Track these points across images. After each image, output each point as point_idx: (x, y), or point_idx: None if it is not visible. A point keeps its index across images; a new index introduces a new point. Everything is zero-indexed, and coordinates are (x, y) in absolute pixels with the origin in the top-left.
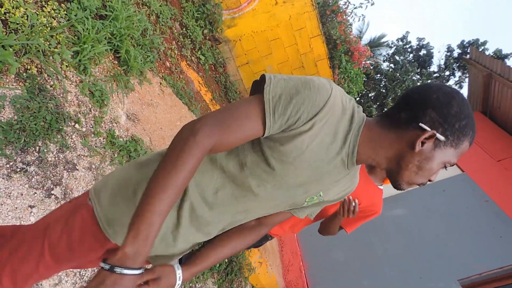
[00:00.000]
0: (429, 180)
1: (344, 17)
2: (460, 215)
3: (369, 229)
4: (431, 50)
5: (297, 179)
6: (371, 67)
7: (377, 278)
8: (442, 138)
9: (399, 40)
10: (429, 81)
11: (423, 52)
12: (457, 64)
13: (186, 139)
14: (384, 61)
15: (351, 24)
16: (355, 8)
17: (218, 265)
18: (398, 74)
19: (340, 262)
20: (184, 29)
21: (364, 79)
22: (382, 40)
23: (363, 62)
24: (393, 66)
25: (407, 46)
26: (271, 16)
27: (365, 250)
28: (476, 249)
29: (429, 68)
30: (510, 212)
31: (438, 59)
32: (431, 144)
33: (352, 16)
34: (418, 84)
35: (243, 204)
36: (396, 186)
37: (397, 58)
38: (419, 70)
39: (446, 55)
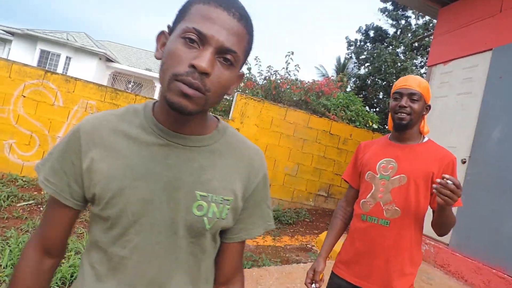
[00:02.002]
0: (193, 66)
1: (288, 78)
2: None
3: None
4: None
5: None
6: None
7: None
8: (166, 30)
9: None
10: None
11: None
12: None
13: None
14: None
15: (297, 80)
16: (287, 68)
17: None
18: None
19: None
20: None
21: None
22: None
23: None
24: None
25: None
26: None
27: None
28: None
29: None
30: None
31: None
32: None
33: (290, 72)
34: None
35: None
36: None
37: None
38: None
39: None
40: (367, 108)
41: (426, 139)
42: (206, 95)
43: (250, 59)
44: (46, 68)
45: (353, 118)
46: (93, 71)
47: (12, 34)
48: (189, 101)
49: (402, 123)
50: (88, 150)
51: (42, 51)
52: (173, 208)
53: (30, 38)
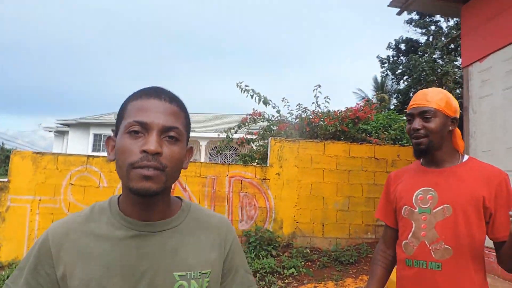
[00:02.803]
0: (144, 151)
1: (319, 111)
2: None
3: None
4: None
5: None
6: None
7: None
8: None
9: None
10: None
11: None
12: None
13: None
14: None
15: (329, 111)
16: (317, 102)
17: None
18: None
19: None
20: None
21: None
22: None
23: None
24: None
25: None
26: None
27: None
28: None
29: None
30: None
31: None
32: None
33: (321, 105)
34: None
35: None
36: None
37: None
38: None
39: None
40: None
41: (466, 157)
42: (165, 171)
43: (278, 101)
44: (100, 150)
45: (398, 137)
46: None
47: (68, 125)
48: (151, 182)
49: (421, 148)
50: (60, 258)
51: (95, 135)
52: None
53: (83, 125)
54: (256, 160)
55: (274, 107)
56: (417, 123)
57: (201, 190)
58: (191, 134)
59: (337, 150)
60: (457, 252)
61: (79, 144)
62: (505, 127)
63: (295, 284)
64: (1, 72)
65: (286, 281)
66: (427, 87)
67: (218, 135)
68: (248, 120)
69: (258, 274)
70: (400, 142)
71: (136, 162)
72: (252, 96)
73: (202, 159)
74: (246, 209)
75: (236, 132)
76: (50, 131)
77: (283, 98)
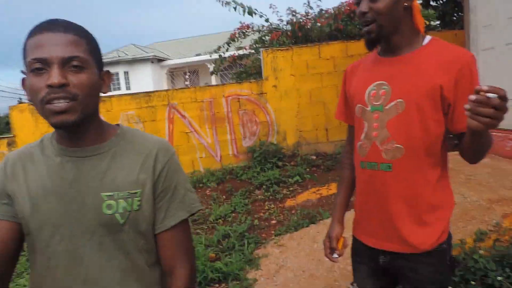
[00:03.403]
0: (49, 85)
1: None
2: None
3: None
4: None
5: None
6: None
7: None
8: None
9: None
10: None
11: None
12: None
13: None
14: None
15: (321, 10)
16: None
17: None
18: None
19: None
20: None
21: None
22: None
23: None
24: None
25: None
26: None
27: None
28: None
29: None
30: None
31: None
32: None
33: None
34: None
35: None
36: None
37: None
38: None
39: None
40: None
41: (427, 39)
42: (78, 101)
43: (266, 9)
44: (111, 89)
45: None
46: (150, 76)
47: None
48: (66, 114)
49: (371, 37)
50: (12, 177)
51: None
52: (86, 212)
53: None
54: (252, 75)
55: (261, 16)
56: (363, 5)
57: (200, 114)
58: (198, 58)
59: (334, 51)
60: (409, 150)
61: None
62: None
63: (300, 191)
64: None
65: (291, 188)
66: None
67: (211, 55)
68: (237, 35)
69: (263, 186)
70: None
71: (44, 98)
72: (235, 8)
73: (213, 82)
74: (248, 126)
75: (227, 50)
76: None
77: (271, 4)
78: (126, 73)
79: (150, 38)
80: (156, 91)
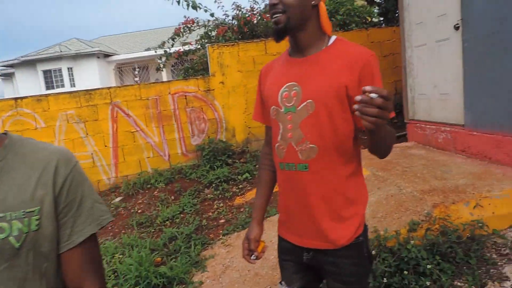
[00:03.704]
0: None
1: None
2: None
3: None
4: None
5: None
6: None
7: None
8: None
9: None
10: None
11: None
12: None
13: None
14: None
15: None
16: None
17: None
18: None
19: None
20: None
21: None
22: None
23: None
24: None
25: None
26: None
27: None
28: None
29: None
30: None
31: None
32: None
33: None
34: None
35: None
36: None
37: None
38: None
39: None
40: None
41: (332, 40)
42: None
43: (210, 3)
44: (54, 86)
45: (347, 21)
46: (97, 72)
47: (12, 66)
48: None
49: (278, 27)
50: None
51: (44, 72)
52: None
53: (28, 64)
54: (200, 71)
55: (206, 11)
56: None
57: (146, 112)
58: (147, 53)
59: (280, 47)
60: (322, 150)
61: (30, 83)
62: None
63: (249, 188)
64: None
65: (240, 186)
66: None
67: (155, 51)
68: (182, 30)
69: (213, 185)
70: (348, 27)
71: None
72: (178, 2)
73: (165, 78)
74: (196, 124)
75: (172, 45)
76: None
77: None
78: (70, 69)
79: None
80: (98, 88)
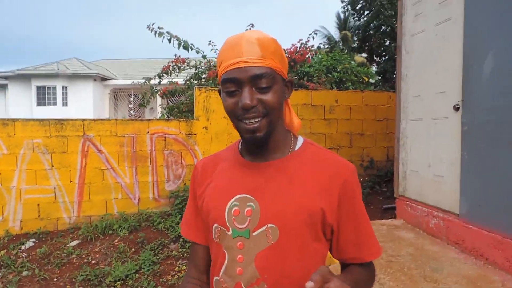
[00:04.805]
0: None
1: None
2: None
3: None
4: None
5: None
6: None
7: None
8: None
9: None
10: None
11: None
12: None
13: None
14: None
15: None
16: None
17: None
18: None
19: None
20: None
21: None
22: None
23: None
24: None
25: None
26: None
27: None
28: None
29: None
30: None
31: None
32: None
33: None
34: None
35: None
36: None
37: None
38: None
39: None
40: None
41: (300, 142)
42: None
43: (203, 45)
44: (46, 103)
45: (344, 79)
46: (91, 94)
47: (6, 78)
48: None
49: (257, 136)
50: None
51: (38, 88)
52: None
53: (23, 77)
54: (184, 113)
55: (198, 52)
56: (248, 97)
57: (120, 150)
58: (140, 81)
59: None
60: None
61: (22, 98)
62: (436, 68)
63: None
64: None
65: None
66: (385, 22)
67: (142, 85)
68: (171, 68)
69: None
70: (344, 85)
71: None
72: (169, 40)
73: (158, 110)
74: (172, 168)
75: (159, 83)
76: None
77: (210, 41)
78: (64, 88)
79: (98, 55)
80: (71, 119)
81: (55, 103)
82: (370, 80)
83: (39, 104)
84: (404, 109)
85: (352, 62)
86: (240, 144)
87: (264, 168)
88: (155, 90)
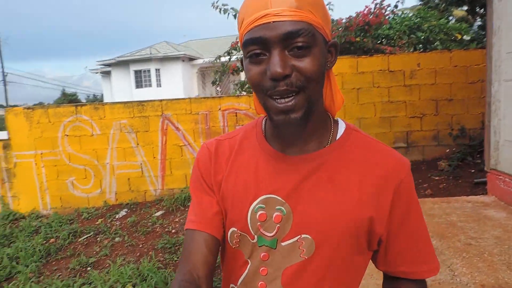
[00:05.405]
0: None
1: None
2: None
3: None
4: None
5: None
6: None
7: None
8: None
9: None
10: None
11: None
12: None
13: None
14: None
15: (332, 21)
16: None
17: None
18: None
19: None
20: None
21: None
22: None
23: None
24: None
25: None
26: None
27: None
28: None
29: None
30: None
31: None
32: None
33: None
34: None
35: None
36: None
37: None
38: None
39: None
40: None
41: (342, 128)
42: None
43: None
44: (143, 85)
45: (431, 39)
46: (180, 74)
47: (109, 65)
48: None
49: (292, 119)
50: None
51: (135, 72)
52: None
53: (123, 64)
54: None
55: None
56: (281, 63)
57: (195, 127)
58: (224, 59)
59: (342, 67)
60: None
61: (123, 82)
62: None
63: None
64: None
65: None
66: None
67: (214, 62)
68: (239, 45)
69: None
70: (431, 46)
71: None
72: (235, 16)
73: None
74: None
75: (229, 60)
76: (96, 73)
77: None
78: (157, 70)
79: (190, 36)
80: (150, 100)
81: (150, 85)
82: (465, 37)
83: (137, 86)
84: (496, 69)
85: (450, 17)
86: (264, 124)
87: (298, 162)
88: (226, 67)
